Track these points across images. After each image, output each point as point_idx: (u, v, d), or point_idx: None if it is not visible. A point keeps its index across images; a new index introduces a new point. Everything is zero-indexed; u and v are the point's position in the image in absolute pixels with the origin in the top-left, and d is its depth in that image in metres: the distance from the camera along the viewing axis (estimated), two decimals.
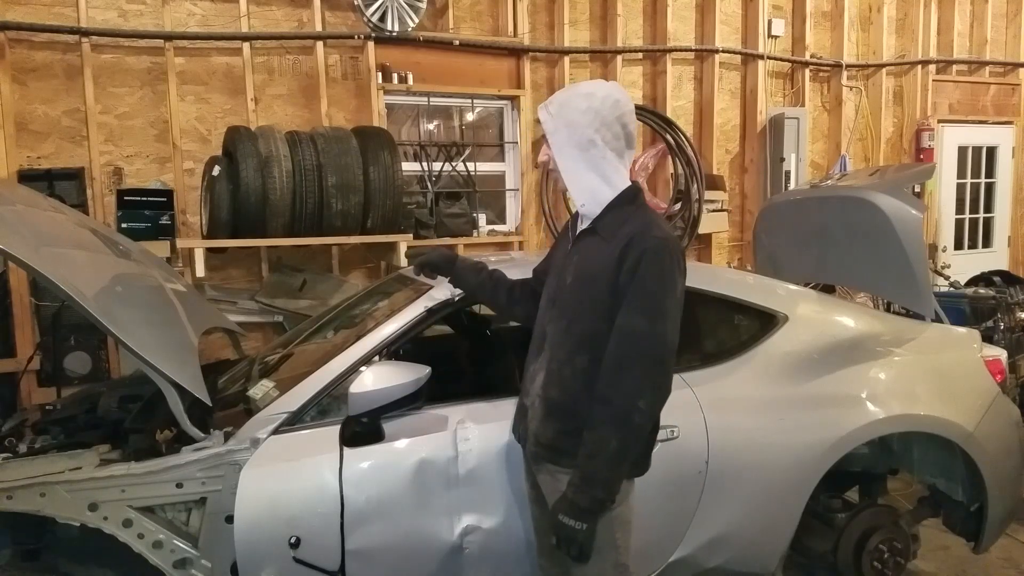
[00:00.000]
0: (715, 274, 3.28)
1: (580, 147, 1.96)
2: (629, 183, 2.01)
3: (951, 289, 4.65)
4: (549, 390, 2.01)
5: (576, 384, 1.95)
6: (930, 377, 2.88)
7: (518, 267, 2.44)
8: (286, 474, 2.24)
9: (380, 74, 4.85)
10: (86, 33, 4.26)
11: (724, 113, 6.14)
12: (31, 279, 4.13)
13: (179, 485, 2.23)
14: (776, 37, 6.24)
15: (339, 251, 4.82)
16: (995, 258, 7.16)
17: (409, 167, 5.03)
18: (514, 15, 5.30)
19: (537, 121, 2.08)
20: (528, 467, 2.18)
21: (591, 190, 1.99)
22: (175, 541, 2.22)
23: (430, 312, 2.54)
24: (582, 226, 2.08)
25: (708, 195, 5.73)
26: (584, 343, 1.95)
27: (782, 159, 5.99)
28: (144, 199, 4.21)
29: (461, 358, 3.38)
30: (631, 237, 1.89)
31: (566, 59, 5.50)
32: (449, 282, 2.44)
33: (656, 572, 2.53)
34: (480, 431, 2.37)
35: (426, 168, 5.18)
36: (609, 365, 1.87)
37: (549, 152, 2.03)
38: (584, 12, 5.66)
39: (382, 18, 4.75)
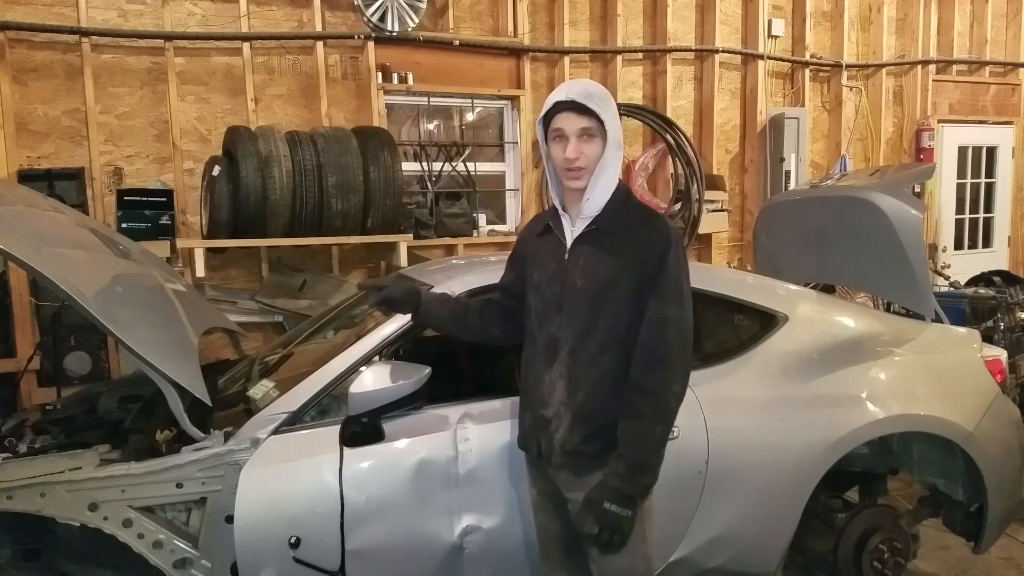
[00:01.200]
0: (715, 274, 3.28)
1: (618, 145, 1.97)
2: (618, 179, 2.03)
3: (951, 289, 4.65)
4: (575, 396, 1.97)
5: (604, 385, 1.95)
6: (930, 377, 2.88)
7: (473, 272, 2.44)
8: (286, 474, 2.24)
9: (380, 74, 4.85)
10: (86, 33, 4.27)
11: (724, 113, 6.14)
12: (31, 279, 4.14)
13: (179, 485, 2.23)
14: (776, 37, 6.24)
15: (339, 251, 4.82)
16: (995, 258, 7.16)
17: (409, 167, 5.03)
18: (514, 15, 5.30)
19: (579, 111, 1.90)
20: (538, 474, 2.13)
21: (608, 189, 1.99)
22: (175, 541, 2.22)
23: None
24: (575, 227, 2.02)
25: (708, 195, 5.73)
26: (609, 342, 1.95)
27: (782, 159, 5.99)
28: (144, 199, 4.21)
29: (461, 358, 3.38)
30: (650, 231, 1.95)
31: (566, 59, 5.50)
32: (412, 319, 2.32)
33: (656, 572, 2.53)
34: (480, 431, 2.37)
35: (426, 168, 5.18)
36: (644, 356, 1.91)
37: (584, 147, 1.93)
38: (584, 12, 5.66)
39: (382, 18, 4.75)
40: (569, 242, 2.03)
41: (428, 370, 2.29)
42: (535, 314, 2.08)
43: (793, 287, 3.16)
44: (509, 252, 2.33)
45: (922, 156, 6.68)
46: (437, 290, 2.58)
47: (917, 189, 5.90)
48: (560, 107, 1.95)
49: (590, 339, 1.96)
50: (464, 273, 2.72)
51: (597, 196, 1.98)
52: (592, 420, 1.97)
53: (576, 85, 1.97)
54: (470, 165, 5.31)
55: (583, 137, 1.93)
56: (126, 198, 4.18)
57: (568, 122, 1.94)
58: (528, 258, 2.16)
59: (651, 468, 1.91)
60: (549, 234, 2.10)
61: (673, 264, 1.93)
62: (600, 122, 1.93)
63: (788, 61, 6.34)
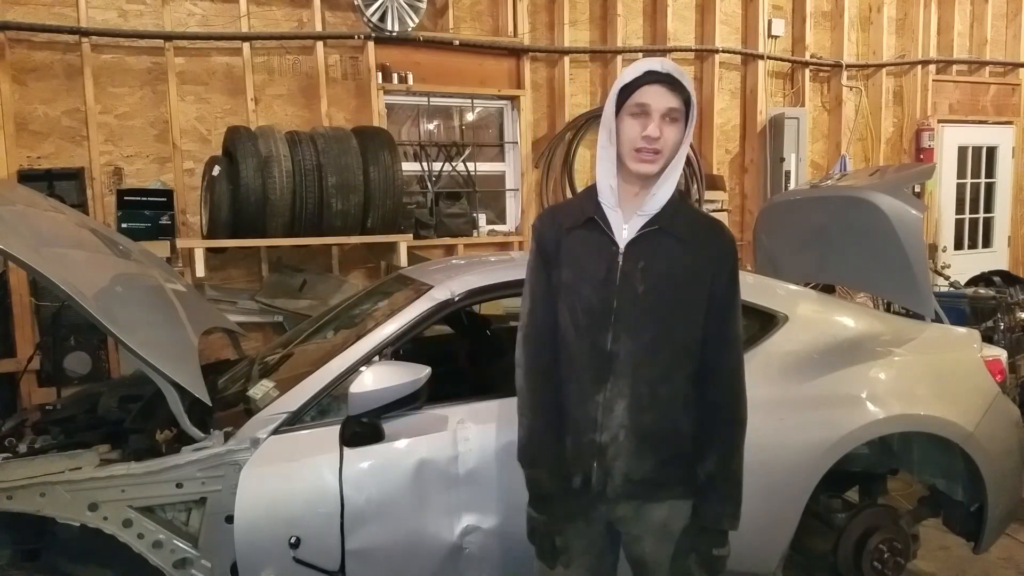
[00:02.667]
0: None
1: (689, 138, 1.78)
2: None
3: (951, 289, 4.65)
4: (641, 418, 1.75)
5: (676, 404, 1.77)
6: (930, 377, 2.88)
7: (518, 267, 2.43)
8: (286, 474, 2.24)
9: (380, 74, 4.85)
10: (86, 33, 4.26)
11: (724, 113, 6.14)
12: (31, 279, 4.13)
13: (179, 485, 2.23)
14: (776, 37, 6.24)
15: (339, 251, 4.82)
16: (995, 258, 7.16)
17: (409, 167, 5.03)
18: (514, 15, 5.30)
19: (672, 88, 1.69)
20: (578, 511, 1.84)
21: (674, 185, 1.78)
22: (175, 541, 2.22)
23: (430, 312, 2.54)
24: (629, 224, 1.77)
25: (708, 195, 5.74)
26: (679, 358, 1.76)
27: (782, 159, 5.99)
28: (144, 199, 4.21)
29: (461, 358, 3.38)
30: (721, 240, 1.80)
31: (566, 59, 5.50)
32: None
33: None
34: (480, 431, 2.37)
35: (426, 168, 5.18)
36: (728, 380, 1.79)
37: (668, 129, 1.71)
38: (584, 12, 5.66)
39: (382, 18, 4.74)
40: (624, 242, 1.77)
41: (428, 370, 2.29)
42: (571, 321, 1.79)
43: (793, 287, 3.16)
44: (509, 252, 2.28)
45: (922, 156, 6.68)
46: (437, 290, 2.57)
47: (917, 189, 5.90)
48: (650, 78, 1.69)
49: (659, 353, 1.75)
50: (464, 273, 2.72)
51: (663, 192, 1.76)
52: (664, 444, 1.77)
53: (666, 61, 1.73)
54: (470, 165, 5.31)
55: (668, 119, 1.70)
56: (126, 198, 4.18)
57: (657, 97, 1.69)
58: (555, 256, 1.83)
59: (741, 498, 1.82)
60: (591, 230, 1.80)
61: (737, 281, 1.82)
62: (687, 108, 1.73)
63: (788, 61, 6.34)
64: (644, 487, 1.78)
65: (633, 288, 1.75)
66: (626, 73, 1.74)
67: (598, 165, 1.81)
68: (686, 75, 1.74)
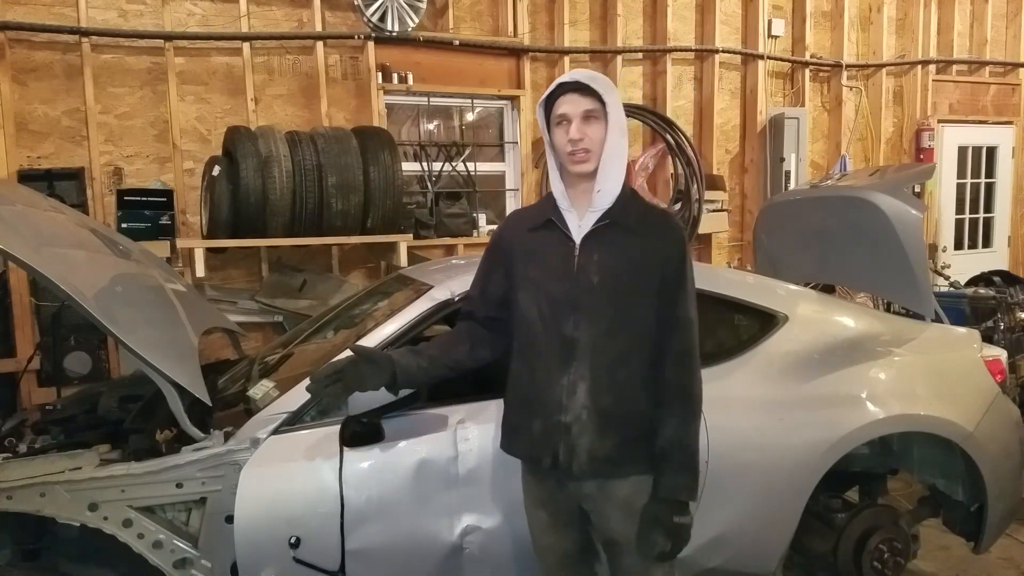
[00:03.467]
0: (715, 274, 3.27)
1: (622, 131, 1.91)
2: None
3: (951, 289, 4.65)
4: (600, 400, 1.89)
5: (635, 386, 1.91)
6: (930, 377, 2.88)
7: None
8: (286, 474, 2.24)
9: (380, 74, 4.85)
10: (86, 33, 4.26)
11: (724, 113, 6.14)
12: (31, 279, 4.13)
13: (179, 485, 2.23)
14: (776, 37, 6.24)
15: (339, 251, 4.82)
16: (995, 258, 7.16)
17: (409, 167, 5.03)
18: (514, 15, 5.30)
19: (582, 92, 1.86)
20: (550, 488, 2.01)
21: (618, 178, 1.92)
22: (175, 541, 2.22)
23: (430, 312, 2.54)
24: (583, 221, 1.93)
25: (708, 195, 5.73)
26: (634, 343, 1.90)
27: (782, 159, 5.99)
28: (144, 199, 4.21)
29: None
30: (669, 229, 1.95)
31: (566, 59, 5.50)
32: (391, 390, 2.04)
33: None
34: (480, 431, 2.37)
35: (426, 168, 5.18)
36: (679, 358, 1.90)
37: (587, 129, 1.87)
38: (584, 12, 5.66)
39: (382, 18, 4.75)
40: (579, 237, 1.93)
41: None
42: (538, 314, 1.95)
43: (793, 287, 3.16)
44: None
45: (922, 156, 6.68)
46: (437, 290, 2.57)
47: (917, 189, 5.90)
48: (563, 89, 1.90)
49: (614, 338, 1.89)
50: (464, 273, 2.71)
51: (609, 187, 1.91)
52: (623, 424, 1.90)
53: (578, 71, 1.94)
54: (470, 165, 5.31)
55: (587, 119, 1.88)
56: (126, 198, 4.18)
57: (571, 104, 1.88)
58: (519, 255, 2.01)
59: (698, 472, 1.93)
60: (549, 229, 1.97)
61: (689, 263, 1.95)
62: (603, 104, 1.88)
63: (788, 61, 6.34)
64: (607, 464, 1.91)
65: (589, 279, 1.90)
66: (546, 91, 1.96)
67: (549, 174, 2.02)
68: (600, 79, 1.90)
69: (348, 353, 2.03)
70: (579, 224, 1.94)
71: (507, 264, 2.04)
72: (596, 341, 1.89)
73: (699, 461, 1.93)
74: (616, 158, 1.91)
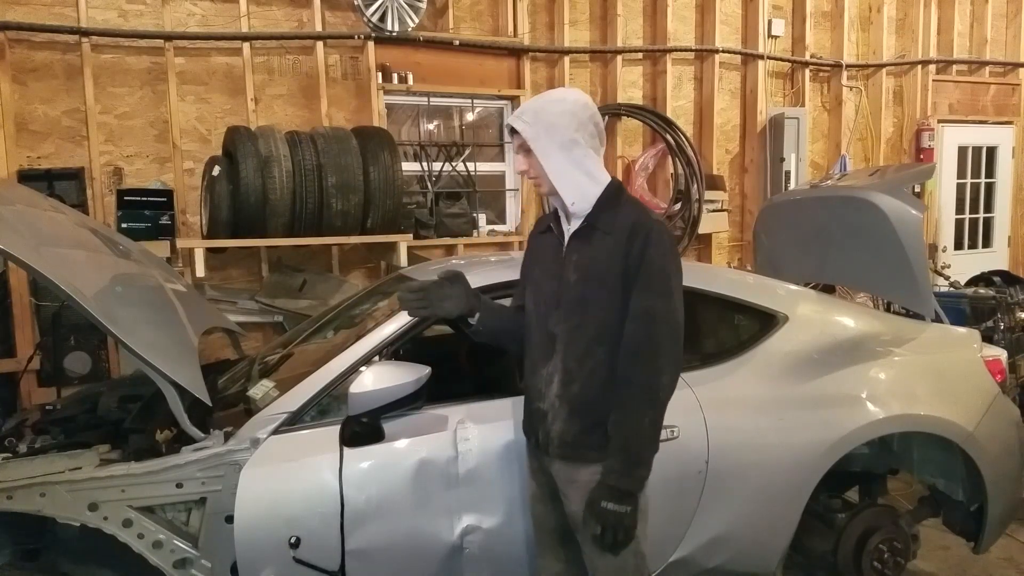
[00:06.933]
0: (715, 274, 3.28)
1: (564, 147, 2.01)
2: (610, 178, 2.08)
3: (951, 289, 4.65)
4: (570, 388, 2.02)
5: (596, 377, 2.00)
6: (930, 377, 2.88)
7: (517, 267, 2.44)
8: (286, 474, 2.24)
9: (380, 74, 4.85)
10: (86, 33, 4.27)
11: (724, 113, 6.14)
12: (31, 279, 4.14)
13: (179, 485, 2.23)
14: (776, 37, 6.24)
15: (339, 251, 4.82)
16: (995, 258, 7.16)
17: (409, 167, 5.03)
18: (514, 15, 5.30)
19: (512, 132, 2.07)
20: (538, 465, 2.18)
21: (580, 187, 2.03)
22: (175, 541, 2.22)
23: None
24: (571, 225, 2.09)
25: (708, 195, 5.74)
26: (600, 335, 1.99)
27: (782, 159, 5.99)
28: (144, 199, 4.21)
29: (461, 358, 3.38)
30: (633, 224, 1.98)
31: (566, 59, 5.50)
32: (468, 317, 2.17)
33: (656, 572, 2.53)
34: (480, 431, 2.37)
35: (426, 168, 5.18)
36: (629, 348, 1.94)
37: (527, 160, 2.06)
38: (584, 12, 5.66)
39: (382, 18, 4.75)
40: (566, 240, 2.09)
41: (428, 370, 2.29)
42: (534, 311, 2.13)
43: (793, 287, 3.16)
44: (509, 252, 2.33)
45: (922, 156, 6.68)
46: None
47: (917, 189, 5.90)
48: (508, 131, 2.13)
49: (582, 332, 2.01)
50: (464, 273, 2.71)
51: (575, 197, 2.04)
52: (587, 412, 2.01)
53: (525, 104, 2.11)
54: (470, 165, 5.31)
55: (522, 151, 2.06)
56: (126, 198, 4.18)
57: (513, 143, 2.10)
58: (529, 256, 2.24)
59: (645, 461, 1.93)
60: (550, 233, 2.16)
61: (656, 255, 1.96)
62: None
63: (788, 61, 6.34)
64: (573, 448, 2.04)
65: (568, 278, 2.05)
66: None
67: None
68: (525, 112, 2.03)
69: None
70: (568, 228, 2.11)
71: (526, 264, 2.27)
72: (569, 334, 2.03)
73: (641, 452, 1.91)
74: (563, 174, 2.02)
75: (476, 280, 2.59)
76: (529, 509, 2.27)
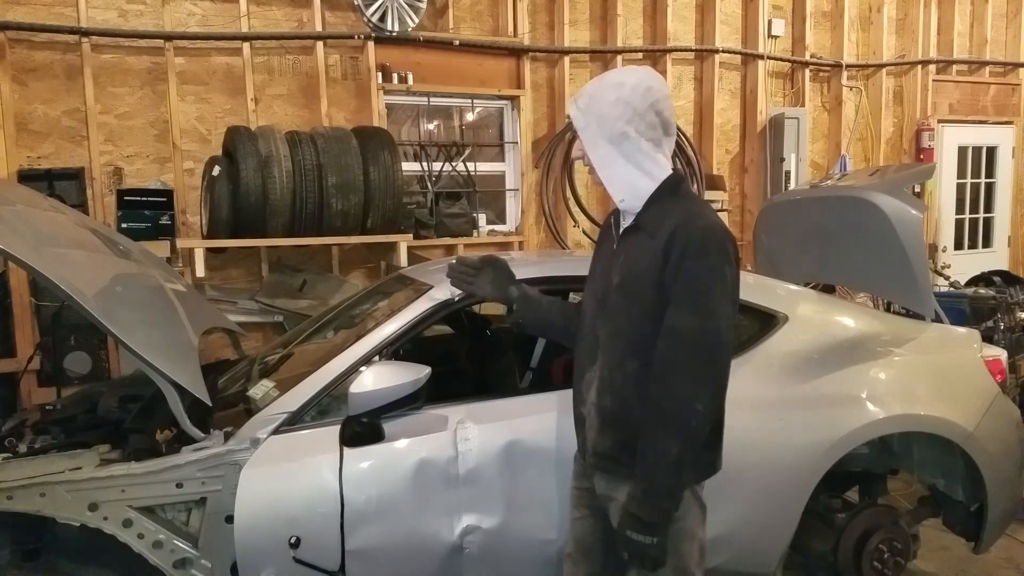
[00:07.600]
0: None
1: (612, 141, 1.85)
2: (669, 172, 1.90)
3: (951, 289, 4.65)
4: (603, 399, 1.90)
5: (628, 391, 1.85)
6: (930, 377, 2.88)
7: (519, 267, 2.44)
8: (286, 474, 2.24)
9: (380, 74, 4.85)
10: (86, 33, 4.26)
11: (724, 113, 6.14)
12: (31, 279, 4.13)
13: (179, 485, 2.23)
14: (776, 37, 6.24)
15: (339, 251, 4.82)
16: (995, 258, 7.16)
17: (409, 167, 5.03)
18: (514, 15, 5.30)
19: (568, 117, 1.97)
20: (579, 470, 2.08)
21: (629, 184, 1.88)
22: (175, 541, 2.22)
23: (430, 312, 2.54)
24: (624, 223, 1.95)
25: (708, 195, 5.73)
26: (634, 346, 1.85)
27: (782, 159, 5.99)
28: (144, 199, 4.21)
29: (461, 358, 3.38)
30: (674, 230, 1.79)
31: (566, 59, 5.50)
32: (507, 303, 2.18)
33: None
34: (480, 431, 2.37)
35: (426, 168, 5.18)
36: (659, 368, 1.77)
37: (582, 148, 1.92)
38: (584, 12, 5.66)
39: (382, 18, 4.75)
40: (617, 237, 1.98)
41: (428, 370, 2.29)
42: (587, 308, 2.02)
43: (793, 287, 3.16)
44: (508, 252, 2.31)
45: (922, 156, 6.69)
46: (437, 290, 2.57)
47: (917, 189, 5.90)
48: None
49: (618, 341, 1.88)
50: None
51: (623, 194, 1.89)
52: (620, 426, 1.88)
53: (588, 84, 1.95)
54: (470, 165, 5.31)
55: (578, 138, 1.95)
56: (126, 198, 4.18)
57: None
58: (596, 253, 2.11)
59: (668, 492, 1.75)
60: (608, 230, 2.05)
61: (694, 270, 1.76)
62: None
63: (788, 61, 6.34)
64: (607, 462, 1.92)
65: (611, 281, 1.93)
66: None
67: None
68: (581, 95, 1.90)
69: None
70: (623, 225, 1.98)
71: (593, 258, 2.14)
72: (608, 341, 1.91)
73: (666, 482, 1.74)
74: (607, 168, 1.88)
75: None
76: (568, 515, 2.14)
